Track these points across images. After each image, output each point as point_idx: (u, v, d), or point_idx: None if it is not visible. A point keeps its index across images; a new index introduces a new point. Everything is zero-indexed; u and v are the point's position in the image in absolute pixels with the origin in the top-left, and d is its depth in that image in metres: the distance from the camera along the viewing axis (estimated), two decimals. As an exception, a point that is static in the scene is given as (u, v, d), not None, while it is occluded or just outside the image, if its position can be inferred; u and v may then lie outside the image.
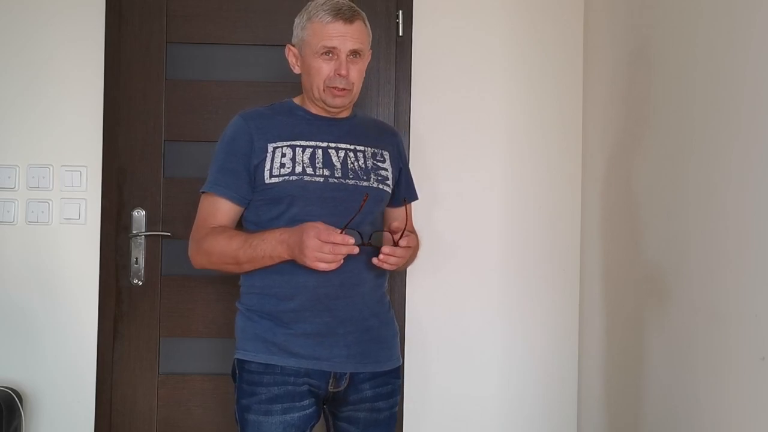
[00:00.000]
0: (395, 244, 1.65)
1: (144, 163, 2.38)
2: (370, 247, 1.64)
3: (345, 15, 1.71)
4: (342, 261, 1.60)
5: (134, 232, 2.37)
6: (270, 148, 1.73)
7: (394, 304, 2.40)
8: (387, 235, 1.70)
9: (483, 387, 2.42)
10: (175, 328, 2.39)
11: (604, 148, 2.26)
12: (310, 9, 1.76)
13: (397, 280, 2.40)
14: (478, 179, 2.43)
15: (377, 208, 1.81)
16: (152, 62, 2.39)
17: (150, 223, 2.37)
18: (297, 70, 1.81)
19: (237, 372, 1.75)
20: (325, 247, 1.57)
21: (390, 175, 1.85)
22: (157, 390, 2.38)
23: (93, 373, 2.35)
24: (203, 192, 1.78)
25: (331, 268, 1.59)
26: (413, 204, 2.01)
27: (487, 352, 2.42)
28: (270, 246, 1.65)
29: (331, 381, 1.72)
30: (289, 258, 1.64)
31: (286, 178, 1.71)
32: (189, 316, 2.38)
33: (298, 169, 1.72)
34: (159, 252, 2.38)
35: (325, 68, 1.73)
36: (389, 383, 1.80)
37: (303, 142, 1.76)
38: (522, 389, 2.42)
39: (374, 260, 1.65)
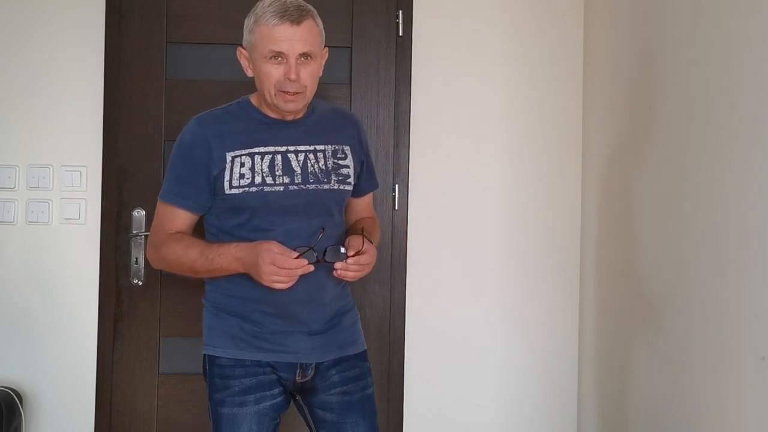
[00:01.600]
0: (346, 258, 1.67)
1: (144, 163, 2.38)
2: (325, 263, 1.66)
3: (292, 16, 1.64)
4: (297, 278, 1.63)
5: (134, 232, 2.37)
6: (228, 157, 1.70)
7: (394, 304, 2.40)
8: (342, 249, 1.69)
9: (483, 387, 2.42)
10: (175, 328, 2.39)
11: (604, 148, 2.26)
12: (257, 10, 1.68)
13: (397, 280, 2.40)
14: (478, 179, 2.43)
15: (337, 207, 1.81)
16: (152, 62, 2.39)
17: (150, 223, 2.37)
18: (249, 73, 1.75)
19: (208, 368, 1.78)
20: (281, 272, 1.60)
21: (351, 172, 1.83)
22: (157, 390, 2.38)
23: (93, 373, 2.35)
24: (159, 198, 1.77)
25: (287, 287, 1.63)
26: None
27: (487, 352, 2.42)
28: (226, 261, 1.67)
29: (298, 372, 1.76)
30: (244, 273, 1.67)
31: (246, 189, 1.70)
32: (189, 316, 2.38)
33: (258, 179, 1.70)
34: (159, 252, 2.37)
35: (274, 73, 1.67)
36: (356, 366, 1.82)
37: (261, 149, 1.73)
38: (522, 389, 2.42)
39: (334, 273, 1.67)
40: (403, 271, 2.40)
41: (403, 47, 2.42)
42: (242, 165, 1.71)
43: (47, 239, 2.35)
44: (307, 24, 1.67)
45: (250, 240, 1.68)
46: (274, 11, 1.64)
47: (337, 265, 1.65)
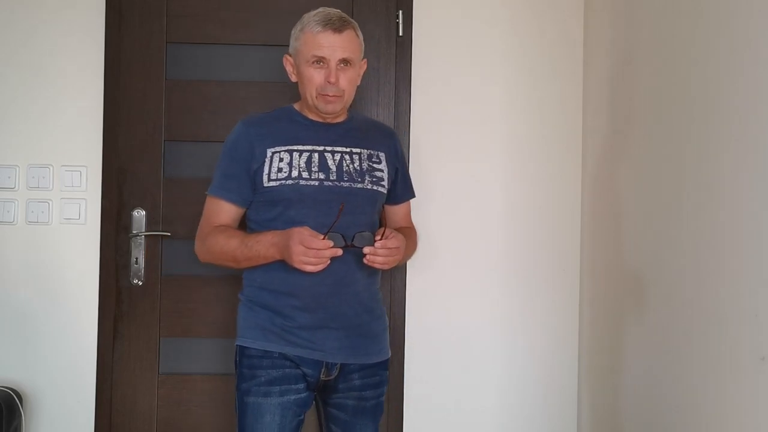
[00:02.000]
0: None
1: (144, 163, 2.38)
2: (353, 248, 1.75)
3: (335, 25, 1.80)
4: (328, 262, 1.72)
5: (134, 232, 2.37)
6: (269, 153, 1.84)
7: (394, 304, 2.40)
8: (370, 235, 1.80)
9: (483, 387, 2.42)
10: (175, 328, 2.39)
11: (604, 148, 2.26)
12: (303, 20, 1.86)
13: (397, 280, 2.40)
14: (479, 179, 2.43)
15: (371, 208, 1.91)
16: (152, 62, 2.39)
17: (150, 223, 2.37)
18: (294, 79, 1.91)
19: (238, 358, 1.87)
20: (309, 252, 1.69)
21: (386, 176, 1.94)
22: (157, 390, 2.38)
23: (93, 373, 2.35)
24: (207, 193, 1.92)
25: (317, 270, 1.72)
26: (412, 201, 2.14)
27: (486, 352, 2.42)
28: (263, 247, 1.78)
29: (323, 370, 1.84)
30: (280, 258, 1.77)
31: (283, 182, 1.82)
32: (189, 316, 2.38)
33: (295, 173, 1.83)
34: (159, 252, 2.38)
35: (316, 76, 1.82)
36: (377, 374, 1.92)
37: (300, 147, 1.86)
38: (522, 389, 2.42)
39: (364, 260, 1.76)
40: (403, 271, 2.40)
41: (403, 47, 2.42)
42: (281, 160, 1.84)
43: (47, 239, 2.35)
44: (348, 33, 1.83)
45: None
46: (318, 20, 1.82)
47: (366, 249, 1.74)
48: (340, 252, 1.71)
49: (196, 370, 2.40)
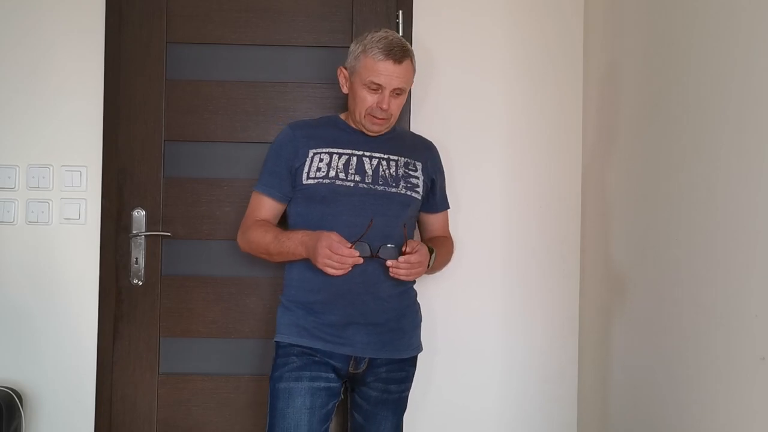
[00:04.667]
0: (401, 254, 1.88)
1: (144, 163, 2.38)
2: (378, 258, 1.85)
3: (396, 56, 1.89)
4: (350, 268, 1.82)
5: (134, 232, 2.37)
6: (310, 153, 1.97)
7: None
8: (394, 248, 1.88)
9: (483, 387, 2.42)
10: (175, 328, 2.39)
11: (604, 148, 2.26)
12: (366, 41, 1.93)
13: (397, 280, 2.40)
14: (479, 179, 2.43)
15: (404, 213, 1.99)
16: (152, 62, 2.39)
17: (150, 223, 2.37)
18: (345, 90, 2.02)
19: (274, 353, 1.98)
20: (333, 256, 1.79)
21: (421, 183, 2.04)
22: (157, 390, 2.38)
23: (93, 373, 2.35)
24: (254, 190, 2.05)
25: (338, 274, 1.82)
26: (449, 212, 2.25)
27: (486, 351, 2.42)
28: (293, 245, 1.90)
29: (351, 363, 1.93)
30: (306, 257, 1.88)
31: (320, 180, 1.93)
32: (189, 316, 2.38)
33: (332, 173, 1.94)
34: (159, 252, 2.38)
35: (369, 99, 1.93)
36: (404, 370, 2.01)
37: (340, 150, 1.98)
38: (522, 389, 2.42)
39: (389, 272, 1.87)
40: (403, 271, 2.40)
41: (403, 47, 2.41)
42: (321, 160, 1.96)
43: (47, 239, 2.35)
44: (406, 63, 1.93)
45: (318, 227, 1.90)
46: (381, 47, 1.89)
47: (389, 263, 1.85)
48: (361, 261, 1.81)
49: (196, 370, 2.40)
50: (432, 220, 2.18)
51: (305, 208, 1.97)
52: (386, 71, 1.90)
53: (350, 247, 1.80)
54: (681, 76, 1.74)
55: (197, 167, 2.38)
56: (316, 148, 1.98)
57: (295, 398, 1.87)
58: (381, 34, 1.92)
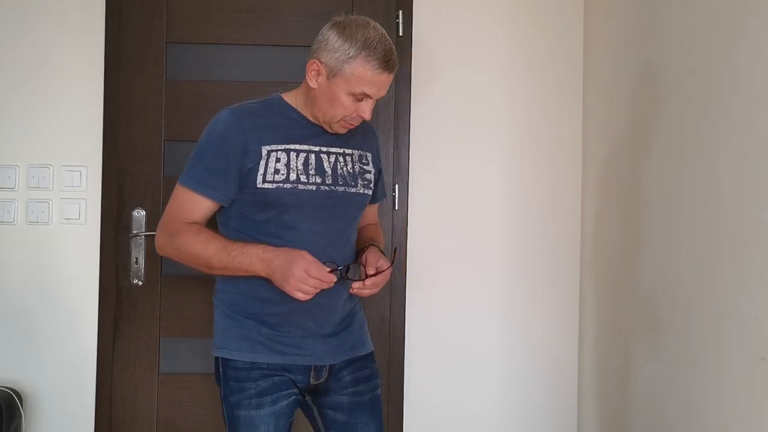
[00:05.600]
0: (366, 276, 1.73)
1: (144, 163, 2.38)
2: (348, 280, 1.71)
3: (391, 67, 1.66)
4: (318, 291, 1.64)
5: (134, 232, 2.37)
6: (264, 151, 1.69)
7: (394, 304, 2.41)
8: (359, 267, 1.76)
9: (483, 387, 2.42)
10: (175, 328, 2.39)
11: (604, 148, 2.26)
12: (359, 45, 1.64)
13: (397, 280, 2.40)
14: (479, 179, 2.43)
15: (360, 213, 1.84)
16: (152, 62, 2.39)
17: (150, 223, 2.37)
18: (313, 85, 1.70)
19: (222, 370, 1.79)
20: (309, 280, 1.60)
21: (373, 177, 1.88)
22: (157, 390, 2.38)
23: (93, 373, 2.35)
24: (182, 184, 1.72)
25: (306, 299, 1.63)
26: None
27: (487, 351, 2.42)
28: (248, 260, 1.65)
29: (312, 374, 1.78)
30: (264, 276, 1.65)
31: (281, 185, 1.69)
32: (189, 316, 2.38)
33: (293, 176, 1.70)
34: (159, 252, 2.38)
35: (350, 107, 1.69)
36: (366, 367, 1.86)
37: (297, 146, 1.73)
38: (522, 389, 2.42)
39: (351, 290, 1.74)
40: (403, 272, 2.40)
41: (403, 47, 2.41)
42: (278, 160, 1.70)
43: (47, 239, 2.35)
44: (394, 72, 1.70)
45: (276, 236, 1.69)
46: (380, 58, 1.64)
47: (355, 285, 1.71)
48: (332, 284, 1.64)
49: (196, 370, 2.40)
50: (369, 209, 1.95)
51: (258, 214, 1.71)
52: (381, 83, 1.67)
53: (329, 272, 1.62)
54: (681, 75, 1.74)
55: (197, 167, 2.38)
56: (270, 145, 1.70)
57: (258, 426, 1.72)
58: (372, 34, 1.64)
